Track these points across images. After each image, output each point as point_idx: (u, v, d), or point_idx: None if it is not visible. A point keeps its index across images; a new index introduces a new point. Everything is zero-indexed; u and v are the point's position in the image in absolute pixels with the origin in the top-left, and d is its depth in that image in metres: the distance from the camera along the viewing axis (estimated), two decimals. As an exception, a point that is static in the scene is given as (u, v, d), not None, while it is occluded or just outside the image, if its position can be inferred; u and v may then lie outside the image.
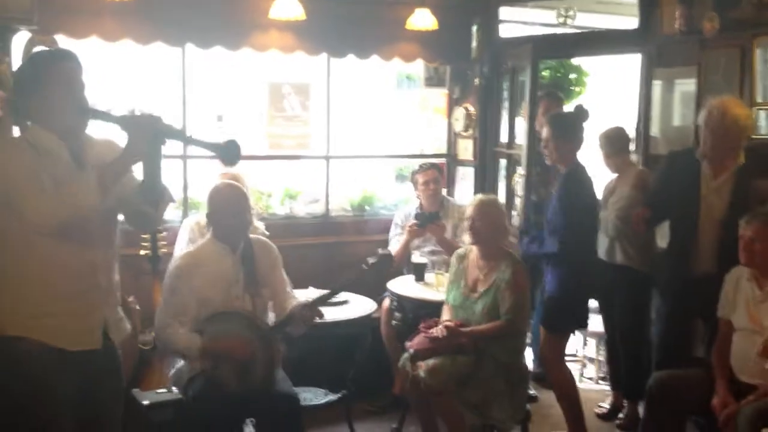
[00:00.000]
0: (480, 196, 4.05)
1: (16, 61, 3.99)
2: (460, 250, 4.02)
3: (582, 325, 4.26)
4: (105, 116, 2.43)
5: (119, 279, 2.69)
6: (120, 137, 2.40)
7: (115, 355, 2.60)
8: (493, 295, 3.73)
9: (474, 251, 3.91)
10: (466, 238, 3.95)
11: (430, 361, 3.60)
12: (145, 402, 3.31)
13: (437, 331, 3.73)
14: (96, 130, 2.53)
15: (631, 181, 4.37)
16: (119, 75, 5.18)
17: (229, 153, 2.39)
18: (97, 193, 2.30)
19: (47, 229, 2.30)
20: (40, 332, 2.37)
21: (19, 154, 2.35)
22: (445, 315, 3.90)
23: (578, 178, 3.91)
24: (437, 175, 4.96)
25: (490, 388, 3.64)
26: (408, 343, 3.80)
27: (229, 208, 3.36)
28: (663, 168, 4.17)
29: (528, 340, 4.84)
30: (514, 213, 5.01)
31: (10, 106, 3.02)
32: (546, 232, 3.95)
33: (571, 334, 4.34)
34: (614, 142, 4.49)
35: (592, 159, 4.39)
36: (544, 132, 4.00)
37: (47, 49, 2.57)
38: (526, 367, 3.94)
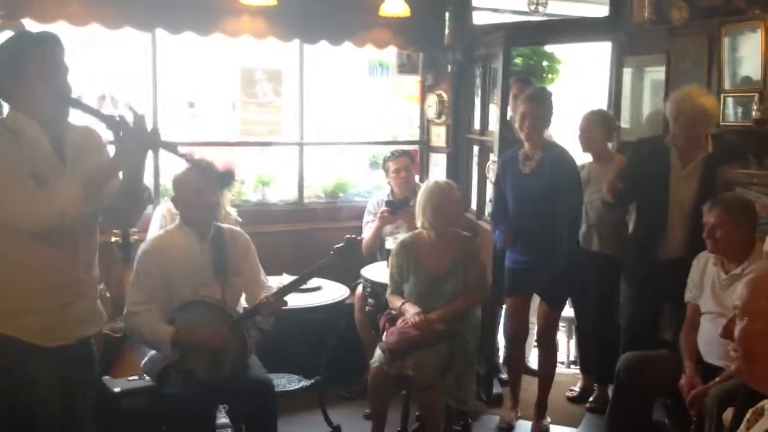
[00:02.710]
0: (433, 183, 3.99)
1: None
2: (404, 239, 4.02)
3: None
4: (91, 110, 2.35)
5: (98, 272, 2.62)
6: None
7: (88, 345, 2.58)
8: (461, 272, 3.82)
9: (425, 236, 3.94)
10: (423, 222, 3.94)
11: (417, 357, 3.59)
12: (117, 389, 3.31)
13: (411, 320, 3.70)
14: (75, 116, 2.46)
15: (615, 169, 4.33)
16: (89, 61, 5.10)
17: (222, 179, 2.42)
18: (80, 198, 2.24)
19: (27, 234, 2.26)
20: (16, 329, 2.33)
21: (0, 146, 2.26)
22: (395, 300, 3.90)
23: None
24: (408, 162, 4.96)
25: (461, 371, 3.70)
26: (382, 344, 3.72)
27: (191, 186, 3.32)
28: (632, 155, 4.22)
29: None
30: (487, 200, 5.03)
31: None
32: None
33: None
34: (600, 127, 4.45)
35: (567, 141, 4.42)
36: (526, 108, 4.01)
37: (27, 30, 2.47)
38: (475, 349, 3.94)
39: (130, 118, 2.28)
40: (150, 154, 4.70)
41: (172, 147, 2.43)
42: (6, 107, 2.40)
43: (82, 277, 2.46)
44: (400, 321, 3.78)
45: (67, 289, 2.41)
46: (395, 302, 3.91)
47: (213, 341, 3.20)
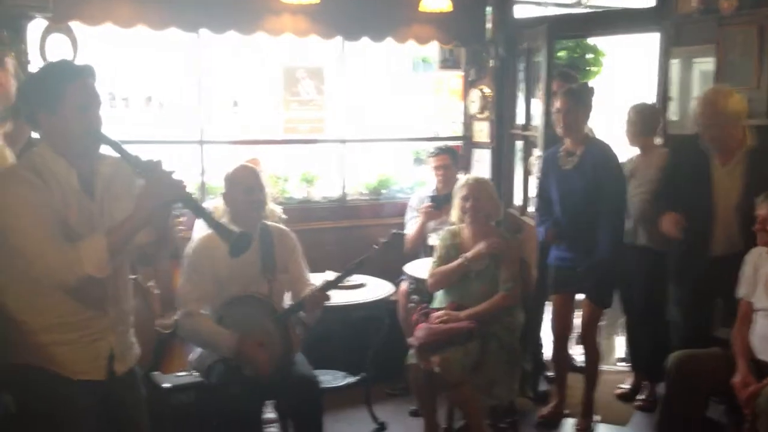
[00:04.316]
0: (471, 175, 4.12)
1: (32, 48, 4.03)
2: (453, 228, 4.05)
3: None
4: (120, 149, 2.29)
5: (134, 304, 2.60)
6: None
7: (128, 377, 2.53)
8: (492, 273, 3.80)
9: (466, 230, 3.95)
10: (455, 216, 3.98)
11: (444, 354, 3.59)
12: (166, 385, 3.35)
13: (438, 317, 3.74)
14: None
15: (657, 163, 4.25)
16: (135, 61, 5.20)
17: (238, 243, 2.37)
18: (106, 261, 2.21)
19: (54, 288, 2.25)
20: (45, 360, 2.32)
21: (27, 192, 2.21)
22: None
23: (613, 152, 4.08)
24: (448, 161, 4.95)
25: (496, 369, 3.69)
26: (411, 339, 3.77)
27: (240, 184, 3.41)
28: (671, 154, 4.14)
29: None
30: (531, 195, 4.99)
31: (15, 110, 2.87)
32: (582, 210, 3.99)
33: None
34: (647, 120, 4.38)
35: (612, 135, 4.36)
36: (561, 103, 4.00)
37: (64, 60, 2.45)
38: (519, 347, 3.92)
39: (158, 166, 2.24)
40: (198, 149, 4.81)
41: (194, 204, 2.38)
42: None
43: (110, 312, 2.42)
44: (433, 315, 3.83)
45: (93, 325, 2.38)
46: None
47: (266, 366, 3.22)
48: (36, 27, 4.12)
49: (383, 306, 4.25)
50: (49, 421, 2.31)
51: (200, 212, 2.39)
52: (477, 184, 3.93)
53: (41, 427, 2.32)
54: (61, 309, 2.31)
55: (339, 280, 3.49)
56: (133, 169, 2.29)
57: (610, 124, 4.73)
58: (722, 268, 3.64)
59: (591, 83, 5.00)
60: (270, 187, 4.61)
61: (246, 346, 3.22)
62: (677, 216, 3.79)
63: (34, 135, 2.64)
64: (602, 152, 4.01)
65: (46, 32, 4.16)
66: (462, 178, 4.07)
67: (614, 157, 4.06)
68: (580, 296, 4.26)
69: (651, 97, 4.97)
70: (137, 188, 2.33)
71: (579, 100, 4.02)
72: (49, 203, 2.23)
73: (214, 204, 4.28)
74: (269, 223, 3.61)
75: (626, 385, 4.64)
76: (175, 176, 2.26)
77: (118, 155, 2.31)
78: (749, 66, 4.19)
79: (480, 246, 3.82)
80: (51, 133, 2.30)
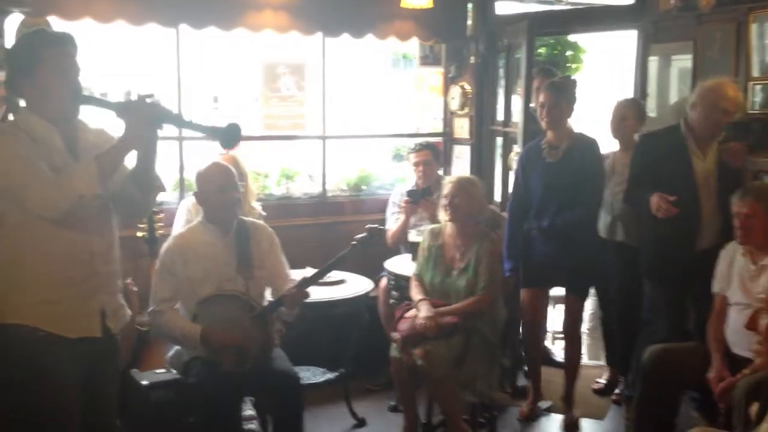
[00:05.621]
0: (458, 174, 4.15)
1: (9, 43, 3.98)
2: (434, 227, 4.05)
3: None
4: (101, 102, 2.40)
5: (119, 266, 2.64)
6: (115, 125, 2.38)
7: (113, 341, 2.60)
8: (473, 270, 3.80)
9: (449, 228, 3.95)
10: (442, 215, 3.98)
11: (427, 347, 3.60)
12: (144, 382, 3.34)
13: (421, 322, 3.68)
14: (89, 118, 2.51)
15: None
16: (113, 57, 5.16)
17: (229, 136, 2.39)
18: (96, 180, 2.27)
19: (50, 218, 2.29)
20: (38, 319, 2.35)
21: (15, 141, 2.31)
22: (415, 290, 3.90)
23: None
24: (430, 157, 4.93)
25: (478, 364, 3.70)
26: (395, 334, 3.77)
27: (214, 183, 3.36)
28: (640, 151, 4.05)
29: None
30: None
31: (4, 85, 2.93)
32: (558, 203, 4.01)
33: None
34: (643, 113, 4.42)
35: (594, 129, 4.38)
36: (546, 97, 4.01)
37: (42, 28, 2.51)
38: (500, 342, 3.94)
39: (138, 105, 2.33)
40: (177, 149, 4.78)
41: (176, 117, 2.45)
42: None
43: (100, 270, 2.47)
44: (411, 312, 3.81)
45: (86, 283, 2.43)
46: (415, 294, 3.88)
47: (239, 341, 3.23)
48: (13, 22, 4.08)
49: (363, 302, 4.26)
50: (34, 382, 2.33)
51: (185, 123, 2.52)
52: (458, 184, 3.91)
53: (24, 389, 2.34)
54: (51, 266, 2.36)
55: (317, 277, 3.46)
56: (116, 114, 2.34)
57: (589, 120, 4.75)
58: (704, 263, 3.66)
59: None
60: (253, 185, 4.59)
61: (211, 336, 3.20)
62: (664, 197, 3.68)
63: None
64: (590, 148, 4.06)
65: (23, 27, 4.12)
66: (447, 176, 4.07)
67: (600, 154, 4.12)
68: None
69: (629, 94, 5.01)
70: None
71: (563, 94, 4.03)
72: (36, 151, 2.31)
73: (193, 200, 4.25)
74: (245, 218, 3.59)
75: (603, 380, 4.68)
76: (153, 107, 2.34)
77: (98, 126, 2.42)
78: (727, 63, 4.22)
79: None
80: (32, 99, 2.38)
